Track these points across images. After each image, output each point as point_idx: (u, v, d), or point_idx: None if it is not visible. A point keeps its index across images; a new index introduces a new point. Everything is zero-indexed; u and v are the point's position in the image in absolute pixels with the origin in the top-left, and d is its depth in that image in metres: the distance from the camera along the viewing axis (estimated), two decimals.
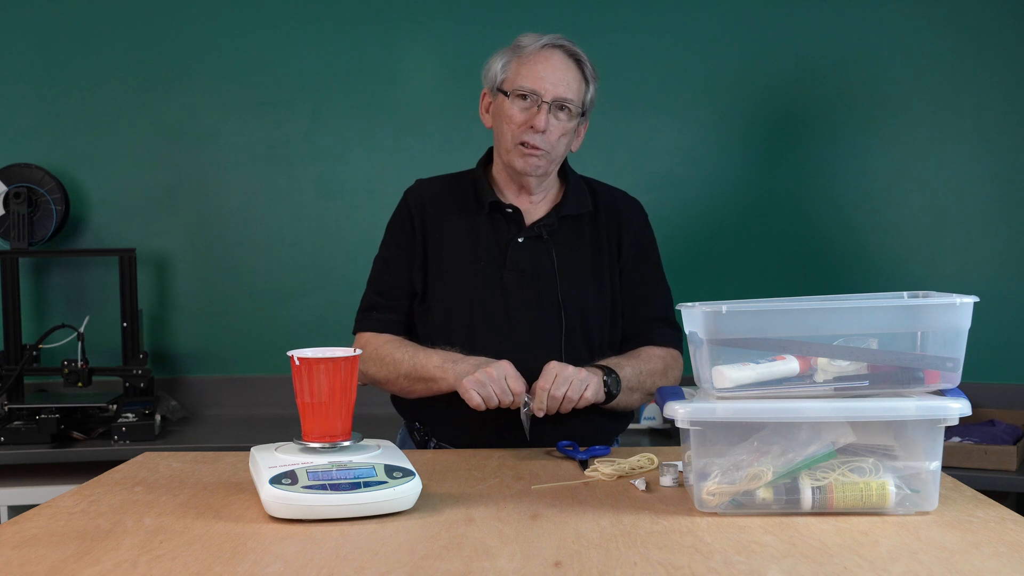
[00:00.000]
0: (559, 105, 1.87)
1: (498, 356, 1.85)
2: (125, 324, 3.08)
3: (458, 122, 3.15)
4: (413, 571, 1.16)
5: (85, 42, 3.24)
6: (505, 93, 1.90)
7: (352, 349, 1.48)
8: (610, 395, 1.83)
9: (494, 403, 1.74)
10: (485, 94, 1.97)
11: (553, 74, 1.86)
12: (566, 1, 3.20)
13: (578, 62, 1.90)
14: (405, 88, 3.26)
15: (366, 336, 1.97)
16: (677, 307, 1.53)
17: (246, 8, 3.25)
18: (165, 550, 1.24)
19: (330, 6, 3.25)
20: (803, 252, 3.20)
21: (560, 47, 1.89)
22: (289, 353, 1.45)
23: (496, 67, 1.93)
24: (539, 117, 1.85)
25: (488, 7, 3.21)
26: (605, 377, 1.82)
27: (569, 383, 1.73)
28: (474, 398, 1.73)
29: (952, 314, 1.39)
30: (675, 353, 2.00)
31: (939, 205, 3.15)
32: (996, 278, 3.09)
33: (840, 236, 3.19)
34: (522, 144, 1.88)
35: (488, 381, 1.73)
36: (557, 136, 1.88)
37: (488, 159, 2.02)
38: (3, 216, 3.07)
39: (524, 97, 1.87)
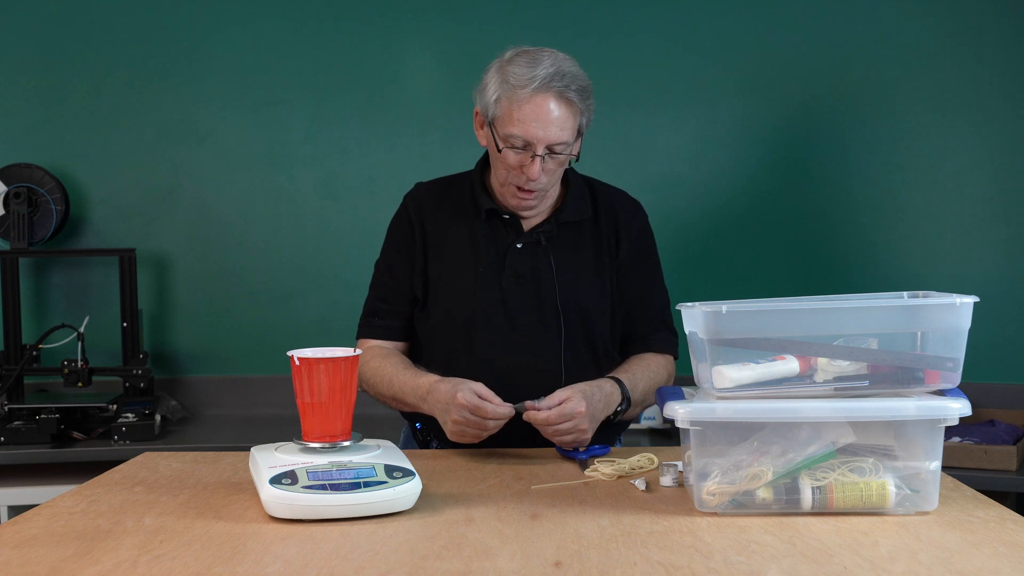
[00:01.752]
0: (552, 148, 1.80)
1: (500, 361, 1.86)
2: (125, 324, 3.08)
3: (458, 122, 3.15)
4: (413, 571, 1.16)
5: (85, 42, 3.24)
6: (496, 133, 1.83)
7: (352, 349, 1.48)
8: (616, 415, 1.83)
9: (488, 428, 1.71)
10: (478, 113, 1.89)
11: (545, 124, 1.77)
12: (567, 1, 3.21)
13: (568, 101, 1.79)
14: (405, 88, 3.26)
15: (364, 345, 1.98)
16: (676, 307, 1.53)
17: (246, 7, 3.25)
18: (165, 550, 1.24)
19: (330, 6, 3.25)
20: (803, 252, 3.20)
21: (551, 90, 1.77)
22: (289, 353, 1.45)
23: (489, 96, 1.83)
24: (532, 168, 1.80)
25: (488, 7, 3.21)
26: (618, 407, 1.82)
27: (567, 434, 1.71)
28: (468, 441, 1.73)
29: (952, 314, 1.39)
30: (672, 360, 2.01)
31: (939, 205, 3.15)
32: (996, 278, 3.09)
33: (840, 236, 3.19)
34: (515, 185, 1.85)
35: (465, 427, 1.71)
36: (551, 174, 1.85)
37: (486, 161, 2.01)
38: (3, 216, 3.07)
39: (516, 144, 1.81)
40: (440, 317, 1.93)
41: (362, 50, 3.25)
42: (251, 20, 3.25)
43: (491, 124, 1.84)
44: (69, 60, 3.25)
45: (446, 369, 1.90)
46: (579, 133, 1.85)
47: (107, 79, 3.25)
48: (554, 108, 1.78)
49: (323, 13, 3.25)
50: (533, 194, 1.86)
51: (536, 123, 1.77)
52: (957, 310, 1.39)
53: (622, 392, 1.83)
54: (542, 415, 1.70)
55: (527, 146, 1.79)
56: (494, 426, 1.71)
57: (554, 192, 1.95)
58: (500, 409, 1.69)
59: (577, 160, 1.89)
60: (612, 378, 1.84)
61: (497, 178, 1.90)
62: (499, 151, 1.82)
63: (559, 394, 1.72)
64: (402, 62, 3.26)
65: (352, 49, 3.25)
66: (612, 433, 1.98)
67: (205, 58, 3.26)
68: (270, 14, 3.25)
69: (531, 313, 1.90)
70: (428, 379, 1.82)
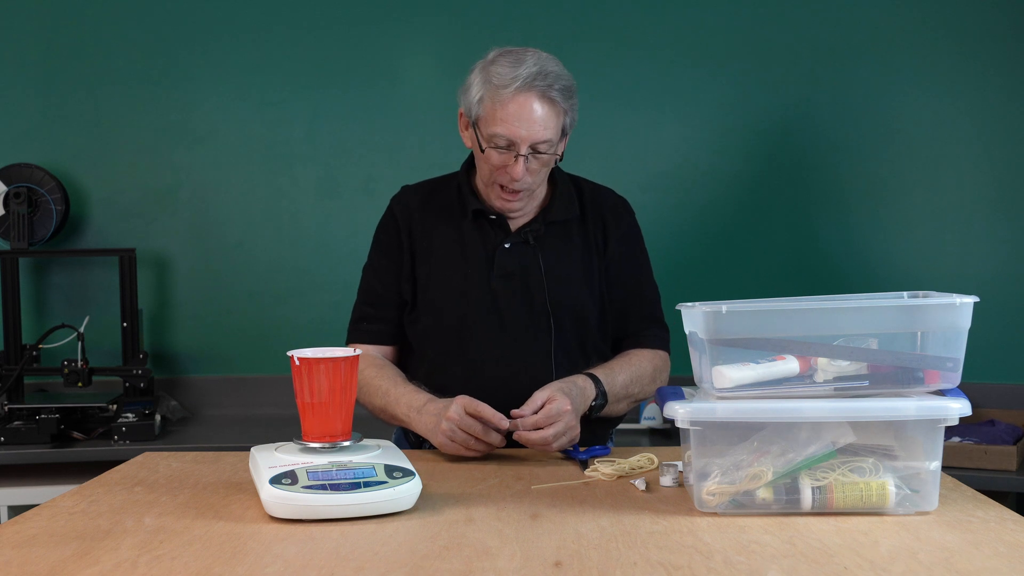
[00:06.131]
0: (536, 148, 1.81)
1: (491, 362, 1.87)
2: (125, 324, 3.08)
3: (458, 123, 3.15)
4: (413, 571, 1.16)
5: (85, 42, 3.24)
6: (480, 133, 1.84)
7: (352, 348, 1.48)
8: (592, 411, 1.83)
9: (473, 443, 1.71)
10: (462, 114, 1.90)
11: (528, 123, 1.77)
12: (566, 1, 3.20)
13: (552, 100, 1.79)
14: (405, 88, 3.26)
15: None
16: (676, 307, 1.53)
17: (246, 8, 3.25)
18: (165, 550, 1.24)
19: (330, 6, 3.25)
20: (802, 252, 3.20)
21: (534, 89, 1.77)
22: (289, 353, 1.45)
23: (472, 97, 1.84)
24: (516, 168, 1.80)
25: (487, 7, 3.21)
26: (593, 402, 1.82)
27: (561, 436, 1.70)
28: (459, 453, 1.73)
29: (952, 314, 1.39)
30: (664, 355, 2.00)
31: (939, 205, 3.15)
32: (996, 278, 3.09)
33: (840, 235, 3.19)
34: (500, 185, 1.86)
35: (452, 434, 1.71)
36: (536, 174, 1.85)
37: (472, 162, 2.01)
38: (3, 216, 3.07)
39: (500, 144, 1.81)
40: (431, 320, 1.93)
41: (362, 50, 3.25)
42: (251, 20, 3.25)
43: (475, 124, 1.85)
44: (69, 60, 3.24)
45: (438, 371, 1.90)
46: (563, 133, 1.86)
47: (107, 79, 3.25)
48: (537, 107, 1.78)
49: (323, 13, 3.25)
50: (518, 195, 1.87)
51: (519, 122, 1.78)
52: (957, 310, 1.38)
53: (596, 387, 1.83)
54: (530, 420, 1.69)
55: (510, 145, 1.80)
56: (484, 434, 1.71)
57: (541, 192, 1.95)
58: (498, 415, 1.69)
59: (561, 160, 1.89)
60: (586, 374, 1.84)
61: (482, 178, 1.91)
62: (483, 151, 1.83)
63: (538, 396, 1.72)
64: (402, 62, 3.26)
65: (352, 49, 3.25)
66: (603, 432, 1.97)
67: (205, 58, 3.26)
68: (270, 14, 3.25)
69: (521, 313, 1.90)
70: (424, 395, 1.83)
